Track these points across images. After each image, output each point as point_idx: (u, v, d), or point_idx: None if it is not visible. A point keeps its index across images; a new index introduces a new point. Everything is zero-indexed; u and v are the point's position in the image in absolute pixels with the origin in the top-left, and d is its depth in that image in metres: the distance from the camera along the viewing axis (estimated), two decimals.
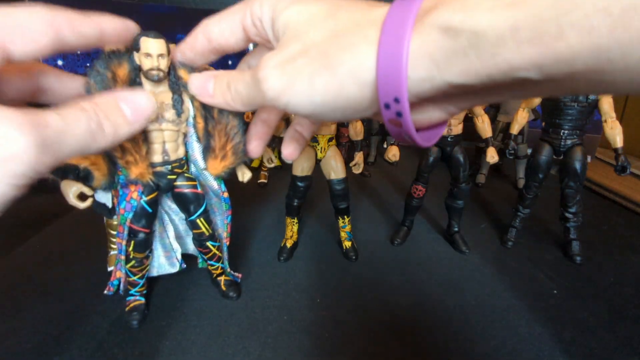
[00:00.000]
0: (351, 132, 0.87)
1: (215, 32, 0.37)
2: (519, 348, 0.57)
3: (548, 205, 1.02)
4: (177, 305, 0.67)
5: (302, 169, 0.81)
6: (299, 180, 0.82)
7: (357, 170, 0.88)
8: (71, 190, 0.55)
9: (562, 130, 0.83)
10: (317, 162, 0.84)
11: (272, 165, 0.81)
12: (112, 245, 0.79)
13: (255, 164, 1.35)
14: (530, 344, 0.58)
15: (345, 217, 0.85)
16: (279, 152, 0.90)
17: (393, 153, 0.90)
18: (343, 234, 0.86)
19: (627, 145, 0.84)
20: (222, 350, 0.57)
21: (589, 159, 1.12)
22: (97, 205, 0.71)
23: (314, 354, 0.57)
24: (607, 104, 0.81)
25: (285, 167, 0.93)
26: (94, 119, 0.29)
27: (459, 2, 0.24)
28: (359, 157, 0.87)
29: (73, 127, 0.26)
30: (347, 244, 0.85)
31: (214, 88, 0.38)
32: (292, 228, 0.87)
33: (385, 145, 1.74)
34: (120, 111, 0.33)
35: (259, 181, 1.28)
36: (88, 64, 1.23)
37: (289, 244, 0.86)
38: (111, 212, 0.75)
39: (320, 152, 0.82)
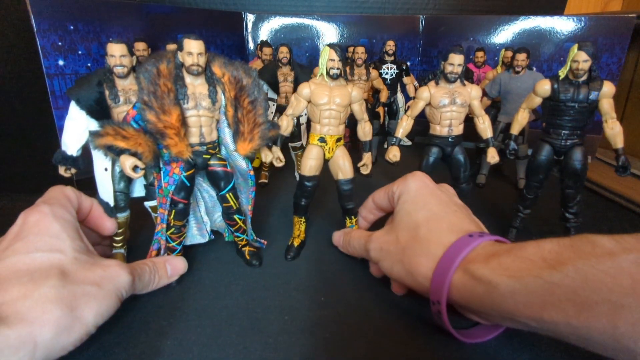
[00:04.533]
0: (360, 133, 0.86)
1: (377, 196, 0.77)
2: (520, 349, 0.57)
3: (548, 205, 1.02)
4: (178, 304, 0.67)
5: (309, 168, 0.81)
6: (307, 180, 0.82)
7: (366, 170, 0.88)
8: (127, 164, 0.66)
9: (563, 131, 0.83)
10: (325, 162, 0.84)
11: (282, 164, 0.83)
12: (115, 244, 0.79)
13: (256, 164, 1.35)
14: (530, 345, 0.58)
15: (353, 217, 0.85)
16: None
17: (394, 153, 0.90)
18: None
19: (627, 146, 0.84)
20: (223, 350, 0.58)
21: (589, 159, 1.12)
22: (101, 204, 0.72)
23: (315, 354, 0.57)
24: (607, 104, 0.81)
25: (285, 168, 0.93)
26: (152, 271, 0.66)
27: (489, 264, 0.49)
28: (367, 157, 0.87)
29: (143, 274, 0.63)
30: None
31: (343, 241, 0.81)
32: (299, 227, 0.87)
33: (385, 146, 1.74)
34: (165, 269, 0.68)
35: (259, 181, 1.28)
36: (89, 64, 1.23)
37: (296, 242, 0.86)
38: (113, 210, 0.75)
39: (328, 152, 0.82)
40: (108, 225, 0.68)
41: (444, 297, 0.52)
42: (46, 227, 0.52)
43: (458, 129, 0.89)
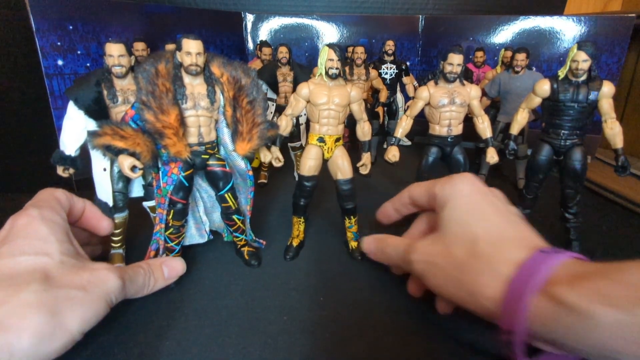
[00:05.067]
0: (359, 133, 0.86)
1: (414, 192, 0.65)
2: None
3: (548, 205, 1.02)
4: (178, 305, 0.67)
5: (308, 168, 0.81)
6: (306, 180, 0.82)
7: (365, 170, 0.88)
8: (126, 163, 0.66)
9: (562, 131, 0.83)
10: (324, 162, 0.84)
11: (281, 164, 0.83)
12: (113, 245, 0.79)
13: (255, 164, 1.35)
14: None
15: (352, 217, 0.85)
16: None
17: (393, 153, 0.90)
18: (349, 235, 0.86)
19: (627, 146, 0.84)
20: (222, 350, 0.57)
21: (589, 159, 1.12)
22: (99, 204, 0.72)
23: (315, 354, 0.57)
24: (607, 104, 0.81)
25: (284, 168, 0.93)
26: (147, 274, 0.58)
27: (576, 288, 0.39)
28: (366, 157, 0.87)
29: (136, 278, 0.56)
30: (354, 244, 0.85)
31: (375, 248, 0.68)
32: (298, 227, 0.87)
33: (385, 146, 1.74)
34: (162, 271, 0.60)
35: (259, 181, 1.28)
36: (88, 64, 1.23)
37: (295, 242, 0.86)
38: (111, 211, 0.75)
39: (327, 152, 0.82)
40: (104, 224, 0.65)
41: (521, 325, 0.43)
42: (34, 230, 0.50)
43: (457, 129, 0.89)
